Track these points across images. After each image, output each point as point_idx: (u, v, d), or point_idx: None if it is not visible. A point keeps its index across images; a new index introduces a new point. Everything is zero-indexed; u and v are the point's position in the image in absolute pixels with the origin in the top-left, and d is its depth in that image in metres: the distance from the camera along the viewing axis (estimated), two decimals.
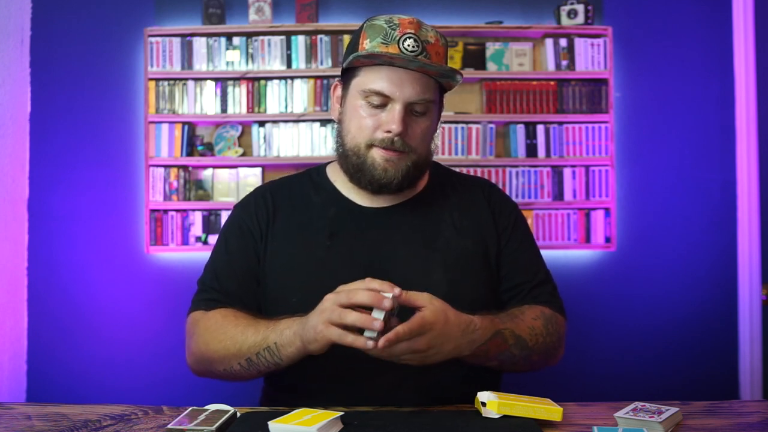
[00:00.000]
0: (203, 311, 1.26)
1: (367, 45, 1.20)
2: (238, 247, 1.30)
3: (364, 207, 1.30)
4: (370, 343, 0.99)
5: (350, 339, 1.01)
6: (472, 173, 2.95)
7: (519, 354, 1.19)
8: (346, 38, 3.03)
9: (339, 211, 1.30)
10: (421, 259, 1.25)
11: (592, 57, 3.06)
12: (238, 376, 1.20)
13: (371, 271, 1.22)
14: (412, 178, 1.25)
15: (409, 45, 1.18)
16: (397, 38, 1.18)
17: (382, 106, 1.21)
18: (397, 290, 1.01)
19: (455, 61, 3.04)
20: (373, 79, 1.20)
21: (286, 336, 1.10)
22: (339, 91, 1.30)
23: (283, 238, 1.29)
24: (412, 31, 1.19)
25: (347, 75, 1.26)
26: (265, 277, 1.28)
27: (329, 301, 1.04)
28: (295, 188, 1.35)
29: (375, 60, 1.19)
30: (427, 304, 1.04)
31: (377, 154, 1.22)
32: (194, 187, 3.06)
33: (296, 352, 1.10)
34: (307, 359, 1.14)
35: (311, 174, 1.38)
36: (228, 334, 1.18)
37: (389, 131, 1.20)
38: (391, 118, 1.19)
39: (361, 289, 1.02)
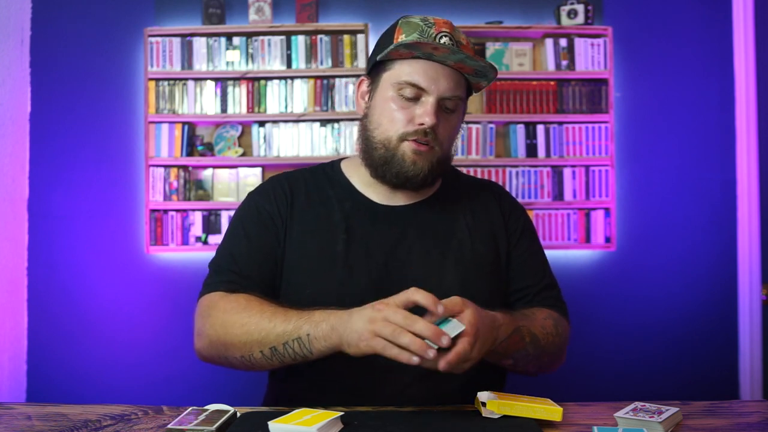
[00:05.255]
0: (223, 293, 1.21)
1: (403, 39, 1.20)
2: (258, 233, 1.27)
3: (379, 204, 1.30)
4: (415, 359, 0.97)
5: (395, 352, 0.98)
6: (472, 173, 2.95)
7: (533, 352, 1.19)
8: (347, 38, 3.02)
9: (355, 207, 1.29)
10: (435, 259, 1.26)
11: (592, 57, 3.06)
12: (257, 366, 1.15)
13: (386, 269, 1.23)
14: (435, 175, 1.25)
15: (445, 42, 1.18)
16: (434, 35, 1.19)
17: (415, 99, 1.21)
18: (440, 308, 1.00)
19: None
20: (408, 72, 1.20)
21: (321, 329, 1.06)
22: (365, 86, 1.29)
23: (300, 228, 1.27)
24: (448, 30, 1.20)
25: (377, 69, 1.26)
26: (283, 264, 1.26)
27: (381, 313, 1.00)
28: (310, 180, 1.33)
29: (415, 51, 1.19)
30: (463, 310, 1.03)
31: (408, 147, 1.21)
32: (194, 187, 3.06)
33: (329, 348, 1.07)
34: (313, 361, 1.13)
35: (325, 168, 1.37)
36: (253, 319, 1.12)
37: (422, 123, 1.20)
38: (425, 111, 1.19)
39: (407, 333, 0.98)
